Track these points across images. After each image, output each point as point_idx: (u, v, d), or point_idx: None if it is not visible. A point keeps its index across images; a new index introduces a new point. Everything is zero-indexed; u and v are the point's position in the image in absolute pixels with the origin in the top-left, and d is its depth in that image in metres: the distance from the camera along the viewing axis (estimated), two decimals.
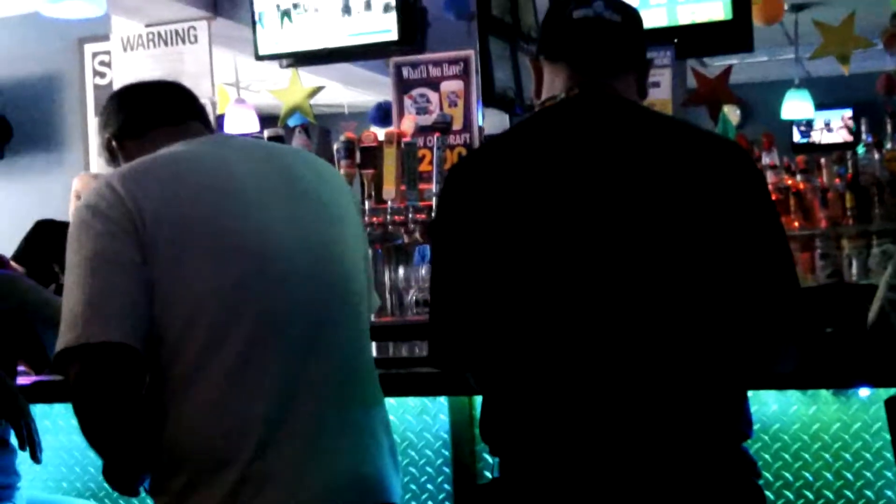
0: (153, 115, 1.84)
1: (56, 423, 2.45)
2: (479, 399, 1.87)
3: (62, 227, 4.81)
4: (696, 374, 1.51)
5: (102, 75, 5.72)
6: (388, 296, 2.94)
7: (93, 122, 5.72)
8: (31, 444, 2.00)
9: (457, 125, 3.77)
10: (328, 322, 1.68)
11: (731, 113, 8.13)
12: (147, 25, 5.18)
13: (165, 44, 5.15)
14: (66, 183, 5.07)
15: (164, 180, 1.63)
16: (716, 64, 6.67)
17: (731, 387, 1.55)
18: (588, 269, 1.51)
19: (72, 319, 1.56)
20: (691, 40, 3.87)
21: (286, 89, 4.69)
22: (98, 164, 5.37)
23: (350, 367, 1.73)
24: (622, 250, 1.51)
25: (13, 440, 2.14)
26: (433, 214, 2.88)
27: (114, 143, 1.86)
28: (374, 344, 2.53)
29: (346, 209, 1.81)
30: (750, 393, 1.62)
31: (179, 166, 1.68)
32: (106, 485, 2.39)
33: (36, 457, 2.00)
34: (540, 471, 1.54)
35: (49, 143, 5.90)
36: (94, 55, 5.73)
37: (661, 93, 3.66)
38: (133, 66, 5.16)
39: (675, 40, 3.79)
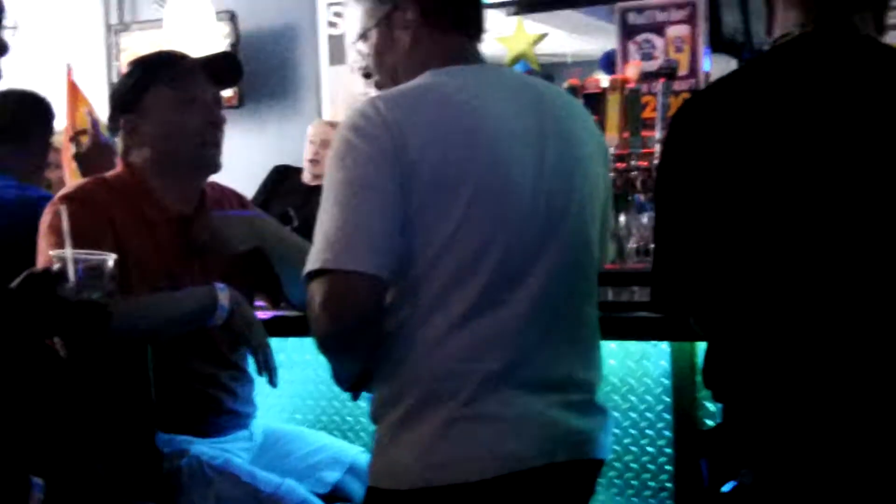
0: (456, 9, 1.76)
1: (290, 356, 2.57)
2: (701, 345, 1.86)
3: (297, 172, 5.04)
4: None
5: (335, 25, 5.89)
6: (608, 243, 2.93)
7: (326, 72, 5.91)
8: (269, 370, 2.12)
9: (682, 71, 3.68)
10: (563, 273, 1.70)
11: None
12: None
13: None
14: (302, 130, 5.28)
15: (430, 116, 1.63)
16: None
17: None
18: (818, 213, 1.47)
19: (325, 242, 1.58)
20: None
21: (511, 36, 4.71)
22: (332, 112, 5.55)
23: (579, 319, 1.75)
24: (855, 193, 1.46)
25: (251, 371, 2.28)
26: (657, 160, 2.84)
27: (405, 14, 1.74)
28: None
29: (596, 155, 1.80)
30: None
31: (445, 102, 1.66)
32: (336, 417, 2.54)
33: (272, 382, 2.12)
34: (767, 417, 1.51)
35: (285, 92, 6.12)
36: (329, 5, 5.91)
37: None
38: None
39: None
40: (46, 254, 1.99)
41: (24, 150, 2.85)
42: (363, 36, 1.80)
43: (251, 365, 2.20)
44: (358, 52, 1.83)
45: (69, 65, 4.50)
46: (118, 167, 2.30)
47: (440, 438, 1.61)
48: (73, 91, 4.41)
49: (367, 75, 1.85)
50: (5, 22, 1.51)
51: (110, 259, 1.70)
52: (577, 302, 1.75)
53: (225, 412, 2.27)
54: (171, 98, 2.21)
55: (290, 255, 2.19)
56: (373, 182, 1.58)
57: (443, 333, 1.61)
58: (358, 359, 1.70)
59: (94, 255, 1.70)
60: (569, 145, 1.74)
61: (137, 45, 6.24)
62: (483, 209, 1.61)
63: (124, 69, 2.40)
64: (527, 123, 1.69)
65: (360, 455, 2.32)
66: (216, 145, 2.24)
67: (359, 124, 1.61)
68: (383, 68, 1.80)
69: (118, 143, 2.30)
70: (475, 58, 1.78)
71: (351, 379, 1.76)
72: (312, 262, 1.59)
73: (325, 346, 1.65)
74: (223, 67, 2.31)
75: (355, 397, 1.84)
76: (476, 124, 1.65)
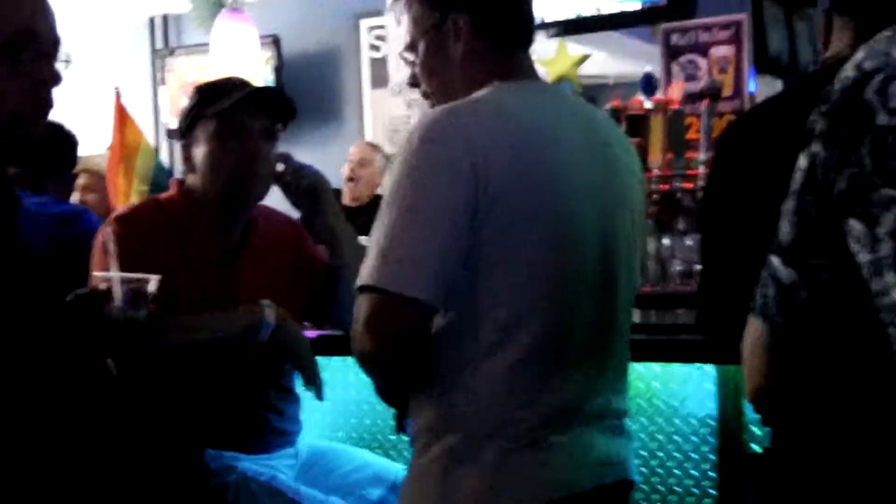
0: (509, 20, 1.70)
1: (334, 375, 2.58)
2: None
3: (336, 193, 5.07)
4: None
5: (377, 49, 5.94)
6: (652, 265, 2.92)
7: (368, 95, 5.95)
8: (315, 384, 2.14)
9: (727, 92, 3.66)
10: (614, 307, 1.69)
11: None
12: None
13: None
14: (343, 153, 5.33)
15: (508, 140, 1.55)
16: None
17: None
18: None
19: (380, 258, 1.52)
20: None
21: (553, 59, 4.71)
22: (373, 134, 5.59)
23: (621, 350, 1.75)
24: None
25: (298, 390, 2.29)
26: (701, 182, 2.83)
27: (457, 23, 1.68)
28: (637, 311, 2.54)
29: (638, 183, 1.79)
30: None
31: (520, 125, 1.59)
32: (378, 436, 2.55)
33: (319, 395, 2.14)
34: (819, 444, 1.49)
35: (328, 115, 6.18)
36: (370, 30, 5.97)
37: None
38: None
39: None
40: (94, 273, 2.04)
41: (58, 179, 3.19)
42: (412, 46, 1.74)
43: (297, 383, 2.22)
44: (405, 61, 1.78)
45: (117, 89, 4.57)
46: (172, 190, 2.34)
47: (498, 470, 1.59)
48: (121, 114, 4.46)
49: (414, 84, 1.78)
50: (60, 55, 1.54)
51: (153, 280, 1.73)
52: (621, 334, 1.75)
53: (271, 430, 2.29)
54: (217, 128, 2.24)
55: (353, 261, 2.22)
56: (442, 202, 1.52)
57: (503, 370, 1.58)
58: (396, 380, 1.68)
59: (136, 276, 1.73)
60: (619, 175, 1.72)
61: (183, 69, 6.33)
62: (551, 245, 1.58)
63: (173, 96, 2.45)
64: (593, 155, 1.66)
65: (402, 473, 2.31)
66: (252, 177, 2.25)
67: (435, 134, 1.54)
68: (433, 79, 1.74)
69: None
70: (531, 72, 1.74)
71: (391, 397, 1.76)
72: (365, 275, 1.53)
73: (362, 363, 1.62)
74: (276, 101, 2.34)
75: (399, 428, 1.84)
76: (552, 156, 1.60)
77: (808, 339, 1.37)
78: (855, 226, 1.14)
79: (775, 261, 1.26)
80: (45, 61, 1.50)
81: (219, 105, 2.24)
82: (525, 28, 1.73)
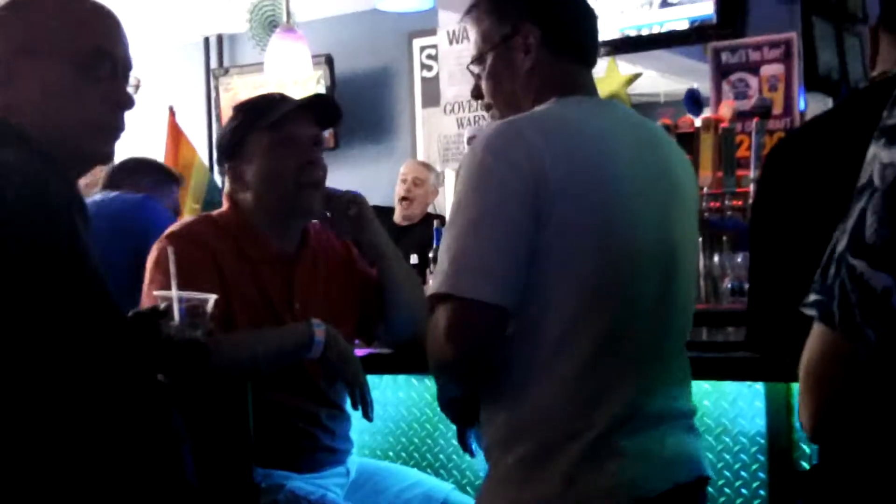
0: (578, 37, 1.76)
1: (384, 393, 2.60)
2: (797, 385, 1.83)
3: (387, 213, 5.10)
4: None
5: (429, 68, 5.98)
6: (702, 282, 2.91)
7: (420, 114, 5.98)
8: (364, 404, 2.16)
9: (777, 110, 3.66)
10: (676, 312, 1.74)
11: None
12: None
13: None
14: (394, 171, 5.36)
15: (570, 149, 1.60)
16: None
17: None
18: None
19: (452, 266, 1.57)
20: None
21: (604, 77, 4.72)
22: (425, 153, 5.62)
23: (683, 354, 1.80)
24: None
25: (348, 408, 2.31)
26: (752, 200, 2.82)
27: (526, 37, 1.72)
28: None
29: (693, 203, 1.83)
30: None
31: (583, 136, 1.65)
32: (428, 455, 2.56)
33: (368, 415, 2.16)
34: (867, 460, 1.48)
35: (379, 133, 6.22)
36: (422, 49, 6.01)
37: None
38: (458, 58, 5.36)
39: None
40: (152, 290, 2.07)
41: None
42: (479, 58, 1.77)
43: (347, 402, 2.24)
44: (472, 73, 1.81)
45: (171, 107, 4.64)
46: (225, 206, 2.36)
47: (573, 478, 1.62)
48: (175, 132, 4.54)
49: (477, 96, 1.82)
50: (130, 79, 1.60)
51: (211, 299, 1.76)
52: (683, 339, 1.80)
53: (321, 448, 2.30)
54: (269, 141, 2.25)
55: (402, 278, 2.30)
56: (506, 211, 1.56)
57: (570, 374, 1.62)
58: (470, 386, 1.71)
59: (196, 296, 1.76)
60: (676, 188, 1.76)
61: (237, 87, 6.41)
62: (610, 252, 1.62)
63: (227, 114, 2.48)
64: (650, 171, 1.70)
65: (452, 492, 2.33)
66: (314, 185, 2.27)
67: (499, 147, 1.59)
68: (499, 92, 1.78)
69: (225, 184, 2.37)
70: (593, 90, 1.78)
71: (460, 409, 1.78)
72: (438, 284, 1.58)
73: (443, 371, 1.67)
74: (322, 108, 2.35)
75: (462, 443, 1.86)
76: (612, 168, 1.65)
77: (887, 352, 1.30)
78: None
79: (859, 264, 1.13)
80: (119, 83, 1.57)
81: (268, 118, 2.25)
82: (591, 46, 1.78)
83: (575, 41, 1.75)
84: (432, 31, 5.58)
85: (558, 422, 1.62)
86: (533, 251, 1.57)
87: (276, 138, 2.25)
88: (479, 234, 1.56)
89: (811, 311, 1.18)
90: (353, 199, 2.33)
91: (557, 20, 1.74)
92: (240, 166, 2.29)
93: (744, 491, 2.16)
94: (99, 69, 1.55)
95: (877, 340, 1.15)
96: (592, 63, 1.79)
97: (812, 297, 1.18)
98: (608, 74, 4.70)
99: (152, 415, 1.50)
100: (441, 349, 1.60)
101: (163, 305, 1.73)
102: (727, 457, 2.19)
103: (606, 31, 4.56)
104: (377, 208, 5.13)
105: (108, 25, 1.60)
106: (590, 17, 1.79)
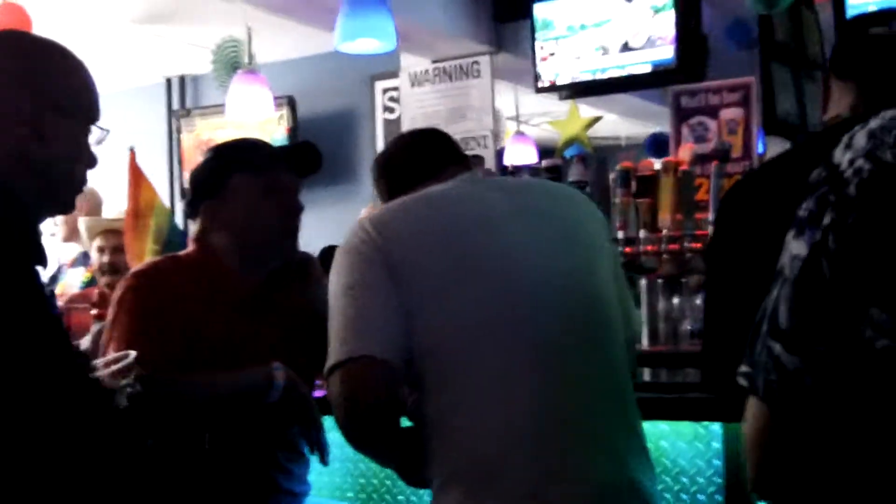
0: (412, 175, 1.95)
1: (340, 434, 2.58)
2: None
3: None
4: None
5: (392, 110, 6.00)
6: (662, 324, 2.93)
7: None
8: (321, 448, 2.14)
9: (736, 153, 3.71)
10: (577, 346, 1.74)
11: None
12: (434, 61, 5.41)
13: (450, 79, 5.36)
14: (357, 213, 5.34)
15: (410, 220, 1.78)
16: None
17: None
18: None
19: (337, 340, 1.69)
20: None
21: (564, 121, 4.77)
22: None
23: (605, 389, 1.78)
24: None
25: (305, 450, 2.29)
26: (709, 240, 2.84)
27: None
28: (646, 370, 2.54)
29: (596, 234, 1.87)
30: None
31: (428, 204, 1.81)
32: (387, 496, 2.54)
33: (324, 460, 2.14)
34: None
35: (342, 175, 6.23)
36: (384, 91, 6.03)
37: None
38: (419, 101, 5.39)
39: None
40: (115, 330, 2.09)
41: None
42: None
43: (305, 445, 2.21)
44: None
45: (132, 148, 4.61)
46: (191, 248, 2.32)
47: None
48: (136, 174, 4.50)
49: None
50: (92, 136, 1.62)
51: (131, 355, 1.75)
52: (603, 371, 1.78)
53: (280, 491, 2.27)
54: (255, 185, 2.24)
55: None
56: (367, 283, 1.72)
57: (471, 416, 1.67)
58: (384, 449, 1.76)
59: (118, 359, 1.74)
60: (568, 228, 1.82)
61: (200, 129, 6.40)
62: (480, 288, 1.70)
63: (189, 156, 2.47)
64: (520, 211, 1.79)
65: None
66: (294, 234, 2.29)
67: (352, 244, 1.78)
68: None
69: (193, 225, 2.33)
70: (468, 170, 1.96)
71: (405, 472, 1.80)
72: (329, 360, 1.68)
73: (348, 435, 1.71)
74: (305, 157, 2.35)
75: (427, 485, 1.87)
76: (457, 213, 1.78)
77: (815, 425, 1.35)
78: (876, 314, 1.13)
79: (775, 346, 1.23)
80: (84, 137, 1.59)
81: (253, 162, 2.25)
82: (427, 169, 1.94)
83: (417, 183, 1.92)
84: (395, 74, 5.61)
85: (478, 465, 1.66)
86: (405, 310, 1.69)
87: (262, 183, 2.24)
88: (352, 307, 1.71)
89: (743, 382, 1.25)
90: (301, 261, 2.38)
91: (395, 191, 1.95)
92: (218, 206, 2.26)
93: None
94: (65, 117, 1.57)
95: (798, 411, 1.23)
96: (439, 173, 1.92)
97: (743, 368, 1.26)
98: (569, 118, 4.75)
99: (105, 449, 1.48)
100: (340, 413, 1.67)
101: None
102: (684, 497, 2.18)
103: (567, 74, 4.61)
104: (334, 249, 5.14)
105: (82, 76, 1.61)
106: (424, 152, 1.99)
